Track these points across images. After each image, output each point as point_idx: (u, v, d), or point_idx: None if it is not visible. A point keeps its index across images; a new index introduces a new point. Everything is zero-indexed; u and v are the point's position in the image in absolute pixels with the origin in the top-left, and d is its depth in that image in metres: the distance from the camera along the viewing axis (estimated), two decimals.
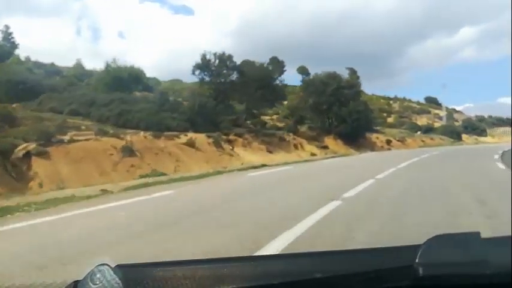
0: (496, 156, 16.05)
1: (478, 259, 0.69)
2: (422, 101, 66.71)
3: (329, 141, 28.98)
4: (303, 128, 29.61)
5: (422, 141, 39.89)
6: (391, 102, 60.37)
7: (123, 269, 0.69)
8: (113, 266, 0.69)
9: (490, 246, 0.73)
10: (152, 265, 0.75)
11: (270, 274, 0.71)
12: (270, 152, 21.65)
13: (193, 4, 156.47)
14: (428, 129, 46.77)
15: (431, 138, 42.01)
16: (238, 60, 26.04)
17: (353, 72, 37.58)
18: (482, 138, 53.55)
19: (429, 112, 60.19)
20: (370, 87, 65.02)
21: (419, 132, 43.70)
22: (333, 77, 29.77)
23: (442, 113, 58.47)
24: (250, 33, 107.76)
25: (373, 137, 34.06)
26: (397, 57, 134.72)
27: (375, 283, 0.70)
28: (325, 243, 4.02)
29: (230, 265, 0.77)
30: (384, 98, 62.15)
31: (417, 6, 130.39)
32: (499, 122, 65.26)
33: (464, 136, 49.36)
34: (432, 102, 65.95)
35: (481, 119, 65.14)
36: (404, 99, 64.48)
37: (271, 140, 23.04)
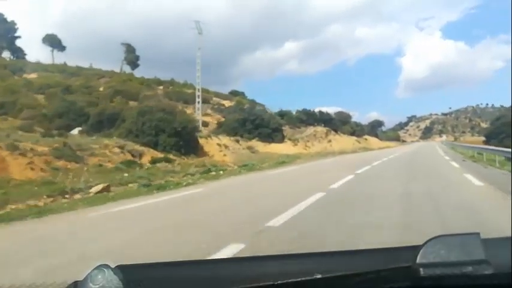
0: None
1: (478, 259, 0.68)
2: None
3: None
4: None
5: None
6: (154, 85, 45.96)
7: (123, 270, 0.68)
8: (113, 266, 0.68)
9: (490, 247, 0.71)
10: (152, 265, 0.74)
11: (270, 274, 0.70)
12: None
13: None
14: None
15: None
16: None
17: None
18: (272, 147, 32.74)
19: (208, 101, 44.21)
20: None
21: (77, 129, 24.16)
22: None
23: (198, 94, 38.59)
24: (71, 28, 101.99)
25: None
26: (231, 66, 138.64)
27: (375, 283, 0.69)
28: None
29: (230, 265, 0.78)
30: (152, 80, 48.45)
31: (247, 18, 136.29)
32: (310, 120, 48.48)
33: (207, 142, 25.44)
34: (238, 95, 53.02)
35: (282, 113, 46.14)
36: (185, 84, 49.26)
37: None
